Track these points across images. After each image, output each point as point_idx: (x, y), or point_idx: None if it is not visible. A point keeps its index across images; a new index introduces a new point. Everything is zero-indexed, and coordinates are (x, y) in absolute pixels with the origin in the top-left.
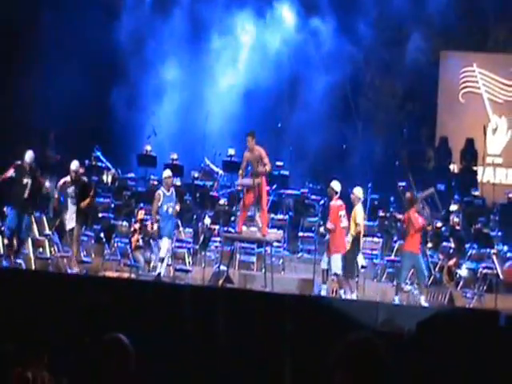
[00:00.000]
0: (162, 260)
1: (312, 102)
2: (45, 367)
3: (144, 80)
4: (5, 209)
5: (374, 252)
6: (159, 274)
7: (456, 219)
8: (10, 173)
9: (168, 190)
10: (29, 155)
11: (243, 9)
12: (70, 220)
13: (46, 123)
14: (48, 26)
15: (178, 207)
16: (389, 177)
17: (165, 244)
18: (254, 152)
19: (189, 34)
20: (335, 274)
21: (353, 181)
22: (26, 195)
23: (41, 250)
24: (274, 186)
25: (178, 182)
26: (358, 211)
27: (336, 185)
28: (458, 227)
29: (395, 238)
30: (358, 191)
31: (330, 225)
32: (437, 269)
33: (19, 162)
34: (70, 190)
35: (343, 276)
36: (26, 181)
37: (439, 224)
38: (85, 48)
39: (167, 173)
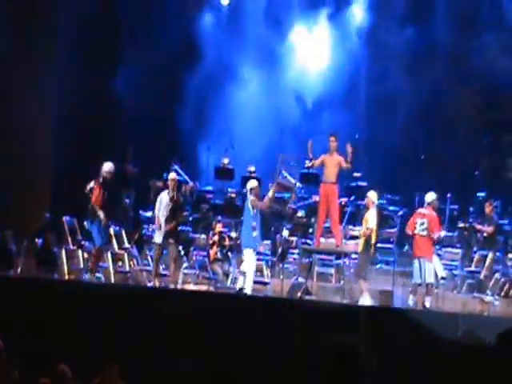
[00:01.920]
0: (243, 274)
1: (391, 109)
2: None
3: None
4: (85, 223)
5: (454, 263)
6: (241, 289)
7: None
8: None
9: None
10: (109, 166)
11: None
12: (159, 234)
13: (124, 137)
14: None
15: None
16: (469, 187)
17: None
18: (333, 155)
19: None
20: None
21: (431, 190)
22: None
23: (120, 263)
24: (352, 197)
25: None
26: (370, 216)
27: (372, 194)
28: None
29: (475, 249)
30: (372, 195)
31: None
32: None
33: (101, 179)
34: (165, 203)
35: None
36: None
37: None
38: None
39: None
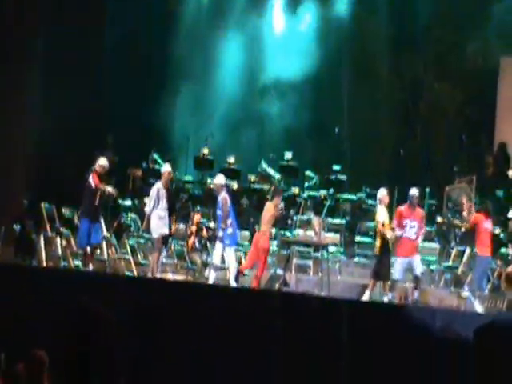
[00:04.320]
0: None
1: (369, 107)
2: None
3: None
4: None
5: (432, 258)
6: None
7: None
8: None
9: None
10: (104, 161)
11: None
12: (160, 226)
13: (103, 124)
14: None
15: None
16: (447, 182)
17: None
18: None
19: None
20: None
21: (410, 186)
22: (96, 202)
23: (98, 251)
24: (331, 191)
25: (234, 185)
26: (378, 211)
27: (380, 192)
28: None
29: (453, 244)
30: (380, 193)
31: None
32: (495, 275)
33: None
34: (162, 195)
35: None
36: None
37: (498, 230)
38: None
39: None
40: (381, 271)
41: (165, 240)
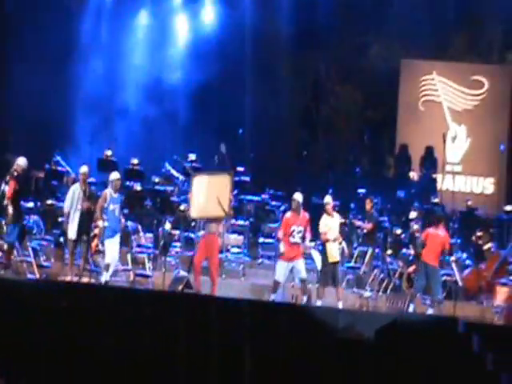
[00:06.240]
0: (107, 267)
1: (272, 108)
2: None
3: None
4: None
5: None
6: (106, 282)
7: (416, 226)
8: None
9: (115, 192)
10: (23, 161)
11: None
12: (72, 229)
13: (5, 124)
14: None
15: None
16: (349, 183)
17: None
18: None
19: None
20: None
21: (313, 187)
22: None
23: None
24: (235, 192)
25: (138, 186)
26: (321, 220)
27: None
28: (417, 234)
29: (355, 245)
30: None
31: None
32: (396, 275)
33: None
34: (77, 197)
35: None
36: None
37: (399, 231)
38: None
39: (115, 175)
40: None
41: None
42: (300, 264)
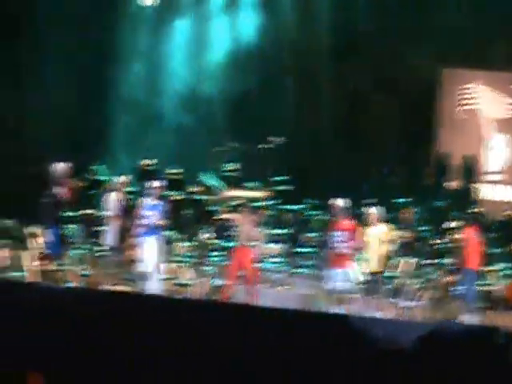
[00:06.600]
0: (145, 275)
1: (312, 118)
2: None
3: None
4: None
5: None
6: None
7: (456, 236)
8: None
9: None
10: (63, 169)
11: None
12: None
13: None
14: None
15: None
16: (387, 193)
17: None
18: None
19: None
20: None
21: (353, 196)
22: None
23: None
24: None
25: (177, 196)
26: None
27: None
28: (457, 243)
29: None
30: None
31: None
32: (435, 285)
33: None
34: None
35: None
36: None
37: (438, 240)
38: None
39: (156, 183)
40: None
41: None
42: (342, 273)
